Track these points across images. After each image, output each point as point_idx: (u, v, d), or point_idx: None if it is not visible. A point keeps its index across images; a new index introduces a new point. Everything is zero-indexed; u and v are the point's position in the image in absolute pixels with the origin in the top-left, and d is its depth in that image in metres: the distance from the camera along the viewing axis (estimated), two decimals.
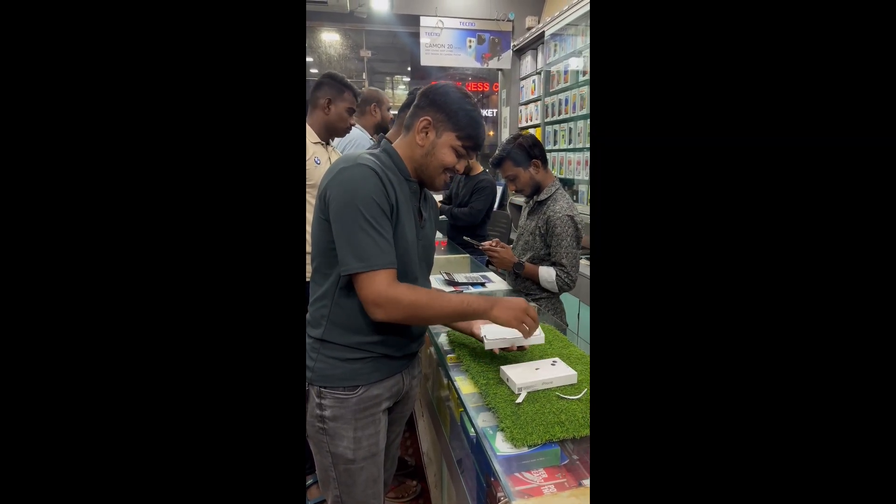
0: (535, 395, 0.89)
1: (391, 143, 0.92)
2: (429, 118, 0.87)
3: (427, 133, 0.87)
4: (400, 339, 0.91)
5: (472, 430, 0.84)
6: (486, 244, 1.59)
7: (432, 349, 1.26)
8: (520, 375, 0.92)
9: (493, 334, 1.01)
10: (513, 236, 1.75)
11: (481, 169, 2.67)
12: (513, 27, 3.79)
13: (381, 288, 0.79)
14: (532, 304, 1.46)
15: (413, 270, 0.89)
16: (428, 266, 0.99)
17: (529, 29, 3.62)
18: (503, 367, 0.96)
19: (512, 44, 3.80)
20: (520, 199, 2.63)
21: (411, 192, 0.90)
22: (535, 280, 1.53)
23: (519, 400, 0.87)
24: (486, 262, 1.71)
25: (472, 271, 1.95)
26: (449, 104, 0.86)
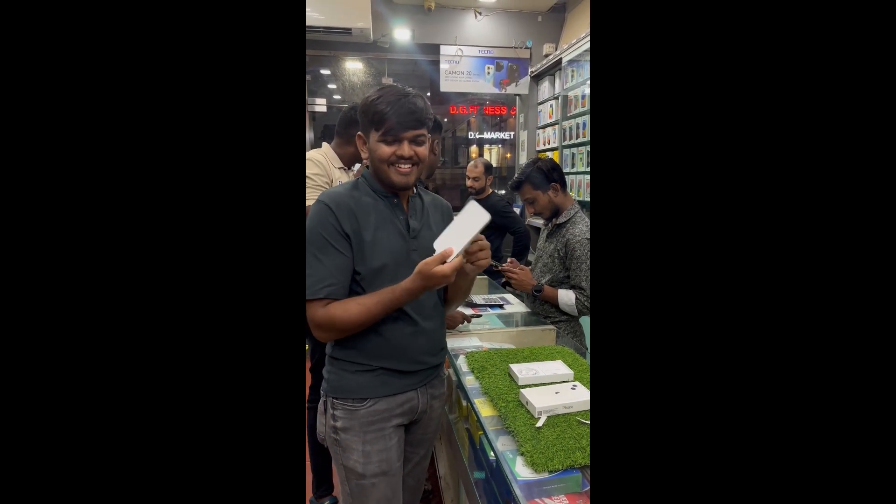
0: (555, 420, 0.88)
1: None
2: (359, 133, 0.92)
3: (365, 144, 0.91)
4: (404, 356, 0.92)
5: (492, 453, 0.84)
6: (506, 265, 1.60)
7: (451, 370, 1.27)
8: (540, 399, 0.92)
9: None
10: (531, 258, 1.75)
11: (491, 191, 2.70)
12: (530, 54, 3.88)
13: (312, 316, 0.86)
14: (550, 325, 1.46)
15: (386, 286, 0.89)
16: None
17: (547, 56, 3.69)
18: (523, 391, 0.96)
19: (529, 70, 3.88)
20: (539, 222, 2.64)
21: (391, 206, 0.91)
22: (553, 303, 1.53)
23: (539, 424, 0.86)
24: (504, 283, 1.72)
25: (491, 293, 1.96)
26: (362, 113, 0.89)
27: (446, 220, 0.99)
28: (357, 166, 1.84)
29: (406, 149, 0.86)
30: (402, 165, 0.87)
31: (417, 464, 1.04)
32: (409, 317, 0.91)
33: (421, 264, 0.81)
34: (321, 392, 0.95)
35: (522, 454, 0.79)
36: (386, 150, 0.86)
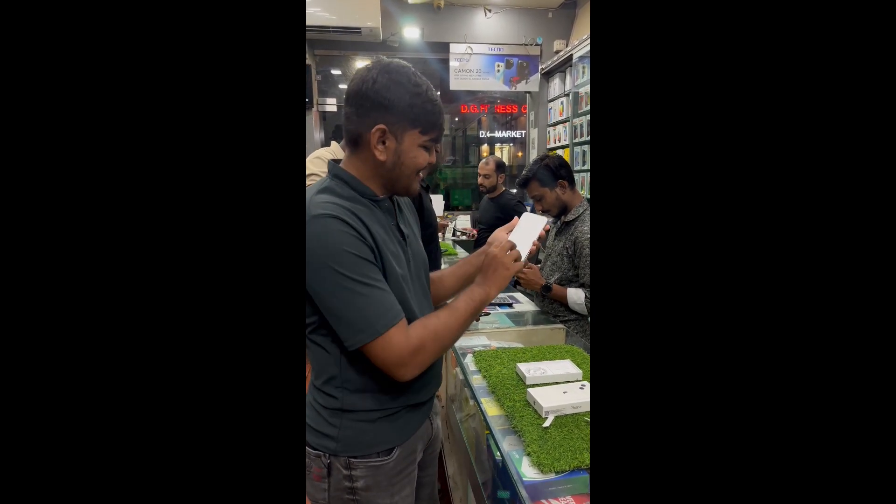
0: (562, 420, 0.87)
1: (338, 164, 0.76)
2: (382, 126, 0.69)
3: (386, 143, 0.71)
4: (423, 383, 0.80)
5: (498, 453, 0.83)
6: None
7: (458, 369, 1.26)
8: (547, 398, 0.90)
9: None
10: (541, 256, 1.74)
11: (504, 189, 2.68)
12: (541, 51, 3.85)
13: (400, 347, 0.68)
14: (559, 324, 1.44)
15: (410, 303, 0.75)
16: (427, 281, 0.86)
17: (557, 52, 3.66)
18: (530, 390, 0.94)
19: (540, 67, 3.85)
20: (547, 218, 2.62)
21: (384, 211, 0.76)
22: (563, 302, 1.51)
23: (546, 424, 0.85)
24: (515, 282, 1.70)
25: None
26: (397, 100, 0.69)
27: (415, 216, 0.90)
28: None
29: (435, 155, 0.75)
30: (423, 174, 0.76)
31: (433, 488, 0.93)
32: None
33: (494, 253, 0.77)
34: (318, 452, 0.75)
35: (529, 454, 0.78)
36: (425, 157, 0.73)
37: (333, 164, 0.76)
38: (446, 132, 4.86)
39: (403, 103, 0.69)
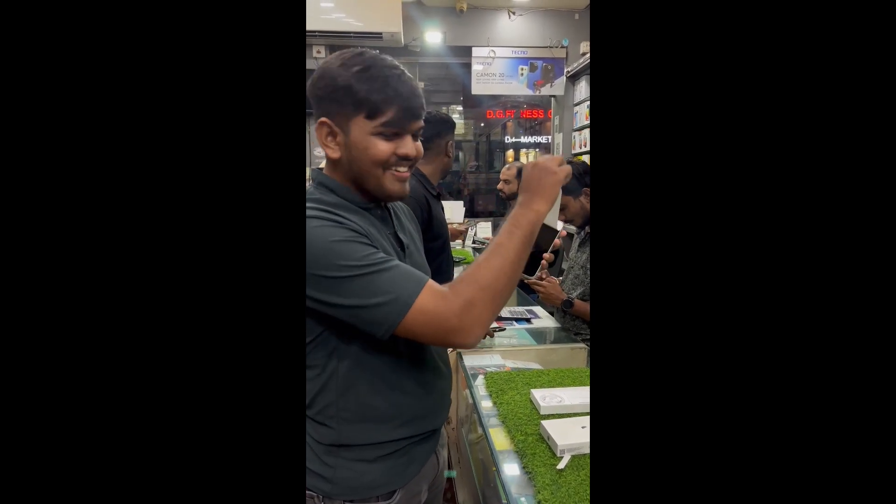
0: (580, 461, 0.76)
1: (321, 171, 0.68)
2: (322, 119, 0.62)
3: (334, 138, 0.63)
4: (432, 407, 0.72)
5: (505, 498, 0.73)
6: (533, 278, 1.48)
7: (468, 392, 1.16)
8: (563, 434, 0.80)
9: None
10: (564, 266, 1.63)
11: None
12: (566, 53, 3.73)
13: (440, 311, 0.57)
14: (581, 343, 1.32)
15: None
16: None
17: (584, 54, 3.53)
18: (544, 422, 0.84)
19: (565, 70, 3.73)
20: (570, 228, 2.49)
21: (379, 220, 0.69)
22: (585, 318, 1.40)
23: (561, 465, 0.75)
24: (538, 298, 1.60)
25: (519, 304, 1.84)
26: (331, 86, 0.61)
27: (416, 226, 0.80)
28: None
29: (410, 146, 0.64)
30: (401, 168, 0.65)
31: None
32: (437, 365, 0.73)
33: (535, 161, 0.67)
34: (310, 493, 0.67)
35: (539, 503, 0.68)
36: (384, 147, 0.62)
37: (317, 171, 0.68)
38: (469, 137, 4.78)
39: (338, 88, 0.60)
